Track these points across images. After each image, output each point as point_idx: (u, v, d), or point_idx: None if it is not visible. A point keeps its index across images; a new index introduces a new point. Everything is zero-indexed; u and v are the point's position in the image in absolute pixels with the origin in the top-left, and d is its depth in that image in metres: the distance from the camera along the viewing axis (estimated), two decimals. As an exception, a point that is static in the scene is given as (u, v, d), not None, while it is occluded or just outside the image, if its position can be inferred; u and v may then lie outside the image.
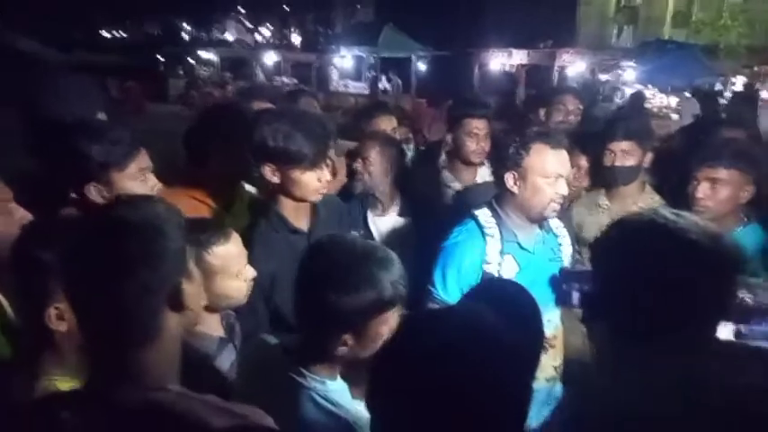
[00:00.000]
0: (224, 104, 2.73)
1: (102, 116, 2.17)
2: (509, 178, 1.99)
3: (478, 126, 2.89)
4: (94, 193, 1.70)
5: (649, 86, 16.58)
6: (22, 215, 1.51)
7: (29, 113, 2.11)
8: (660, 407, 0.97)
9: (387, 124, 3.13)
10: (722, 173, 2.15)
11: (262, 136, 1.89)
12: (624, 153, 2.56)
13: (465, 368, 0.81)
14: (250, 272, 1.67)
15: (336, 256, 1.29)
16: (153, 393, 0.92)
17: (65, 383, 1.15)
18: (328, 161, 2.00)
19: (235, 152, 2.14)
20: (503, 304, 1.09)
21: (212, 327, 1.65)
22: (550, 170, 1.95)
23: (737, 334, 1.36)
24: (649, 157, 2.64)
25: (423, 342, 0.85)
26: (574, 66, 15.34)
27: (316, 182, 1.94)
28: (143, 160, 1.80)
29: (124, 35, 47.26)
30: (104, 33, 45.19)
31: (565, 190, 2.00)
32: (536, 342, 1.46)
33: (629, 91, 16.24)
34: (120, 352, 0.93)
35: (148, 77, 18.18)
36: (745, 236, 2.16)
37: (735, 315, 1.34)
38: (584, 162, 2.75)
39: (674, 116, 12.36)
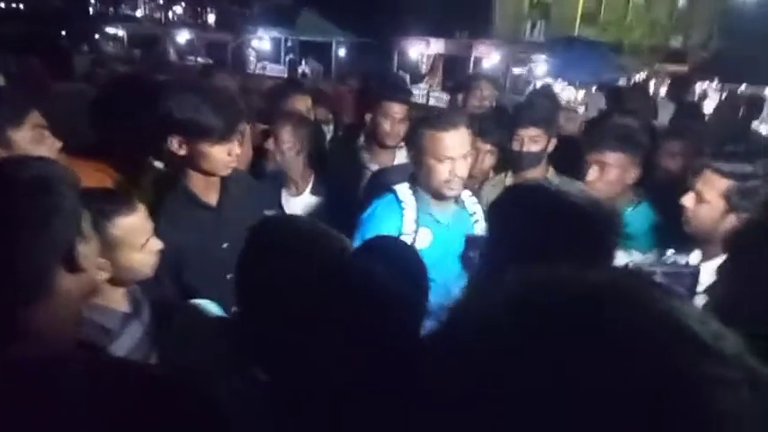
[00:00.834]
0: (127, 76, 2.63)
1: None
2: (410, 160, 2.15)
3: (395, 110, 2.93)
4: None
5: (559, 80, 17.32)
6: None
7: None
8: None
9: (301, 104, 3.12)
10: (608, 156, 2.26)
11: (168, 107, 1.84)
12: (531, 139, 2.67)
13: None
14: (156, 244, 1.63)
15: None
16: (46, 350, 0.89)
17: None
18: (239, 135, 1.97)
19: (139, 126, 2.07)
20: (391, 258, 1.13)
21: (116, 301, 1.59)
22: (441, 153, 2.03)
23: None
24: (553, 142, 2.77)
25: None
26: (489, 57, 15.76)
27: (225, 156, 1.91)
28: (36, 118, 1.73)
29: (21, 6, 44.08)
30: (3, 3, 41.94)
31: (461, 171, 2.07)
32: (420, 293, 1.49)
33: (539, 84, 16.94)
34: (13, 310, 0.90)
35: (51, 53, 17.08)
36: (635, 215, 2.30)
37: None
38: (483, 145, 2.84)
39: (581, 109, 12.95)
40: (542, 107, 2.75)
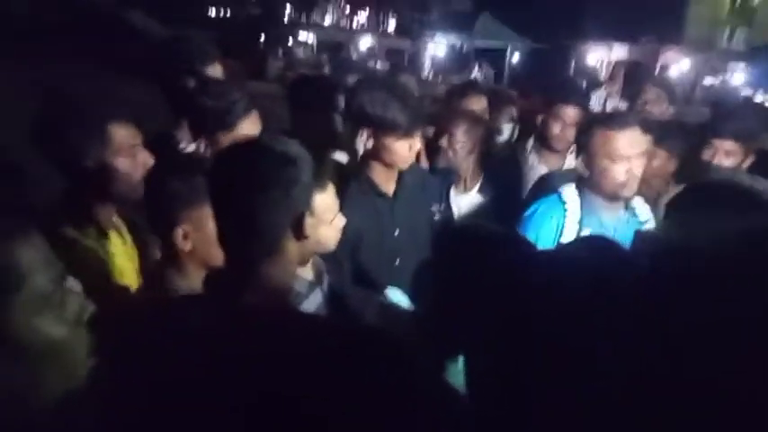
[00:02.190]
0: (310, 76, 2.93)
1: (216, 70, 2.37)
2: (580, 162, 2.12)
3: (567, 113, 2.92)
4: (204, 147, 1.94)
5: (761, 91, 15.63)
6: (145, 158, 1.68)
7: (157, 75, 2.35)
8: None
9: (477, 104, 3.21)
10: None
11: (360, 103, 2.03)
12: (726, 153, 2.51)
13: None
14: (341, 221, 1.82)
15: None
16: (274, 297, 1.09)
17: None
18: (420, 132, 2.13)
19: (319, 120, 2.32)
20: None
21: (305, 269, 1.81)
22: (614, 152, 2.01)
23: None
24: (750, 159, 2.58)
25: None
26: (677, 65, 14.66)
27: (407, 150, 2.07)
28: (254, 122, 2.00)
29: (228, 14, 49.04)
30: (210, 11, 47.04)
31: (637, 168, 2.04)
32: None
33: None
34: (248, 263, 1.10)
35: (249, 56, 18.92)
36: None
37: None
38: (663, 153, 2.71)
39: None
40: (747, 119, 2.58)
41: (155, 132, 2.07)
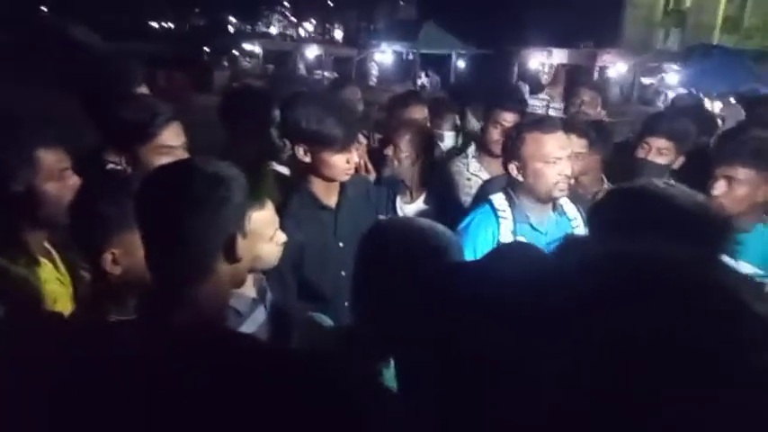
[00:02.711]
0: (251, 88, 2.91)
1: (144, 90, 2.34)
2: (512, 168, 2.16)
3: (506, 118, 2.99)
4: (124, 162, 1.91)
5: (692, 90, 16.29)
6: (75, 181, 1.64)
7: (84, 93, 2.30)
8: None
9: (419, 113, 3.25)
10: (739, 171, 2.15)
11: (296, 118, 2.03)
12: (659, 150, 2.61)
13: None
14: (282, 236, 1.81)
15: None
16: (203, 321, 1.08)
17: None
18: (357, 144, 2.14)
19: (259, 133, 2.31)
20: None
21: (247, 287, 1.79)
22: (547, 154, 2.08)
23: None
24: (681, 160, 2.68)
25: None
26: (615, 67, 15.19)
27: (345, 163, 2.08)
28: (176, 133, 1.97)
29: (171, 26, 48.26)
30: (153, 24, 46.20)
31: (567, 170, 2.11)
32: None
33: (671, 94, 16.04)
34: (178, 286, 1.08)
35: (194, 68, 18.63)
36: (763, 235, 2.19)
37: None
38: (598, 155, 2.80)
39: (719, 122, 12.13)
40: (681, 121, 2.68)
41: (85, 152, 2.03)
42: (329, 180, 2.13)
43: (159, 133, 1.92)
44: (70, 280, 1.69)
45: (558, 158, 2.09)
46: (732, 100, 13.52)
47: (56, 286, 1.62)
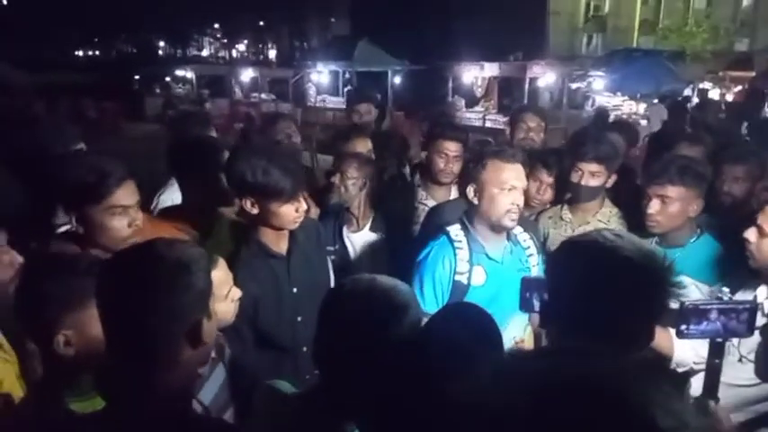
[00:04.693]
0: (197, 138, 2.86)
1: (81, 146, 2.28)
2: (470, 191, 2.21)
3: (449, 147, 3.05)
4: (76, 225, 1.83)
5: (618, 94, 17.01)
6: (12, 258, 1.58)
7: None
8: None
9: (362, 146, 3.27)
10: (669, 190, 2.25)
11: (240, 171, 2.01)
12: (592, 174, 2.69)
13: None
14: (237, 293, 1.79)
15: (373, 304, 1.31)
16: (171, 407, 1.06)
17: (80, 404, 1.27)
18: (304, 193, 2.14)
19: (210, 181, 2.29)
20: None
21: (203, 348, 1.77)
22: (504, 182, 2.14)
23: (679, 333, 1.51)
24: (613, 178, 2.78)
25: None
26: (544, 77, 15.70)
27: (293, 212, 2.07)
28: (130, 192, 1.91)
29: (97, 54, 46.92)
30: (78, 53, 44.84)
31: (520, 200, 2.17)
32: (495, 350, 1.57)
33: (599, 99, 16.72)
34: (140, 375, 1.06)
35: (125, 97, 18.15)
36: (698, 247, 2.30)
37: (677, 317, 1.50)
38: (546, 177, 2.91)
39: (643, 122, 12.70)
40: (607, 143, 2.76)
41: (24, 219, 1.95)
42: (278, 229, 2.12)
43: (112, 193, 1.84)
44: (18, 362, 1.61)
45: (514, 187, 2.15)
46: (655, 100, 14.22)
47: (1, 370, 1.55)
